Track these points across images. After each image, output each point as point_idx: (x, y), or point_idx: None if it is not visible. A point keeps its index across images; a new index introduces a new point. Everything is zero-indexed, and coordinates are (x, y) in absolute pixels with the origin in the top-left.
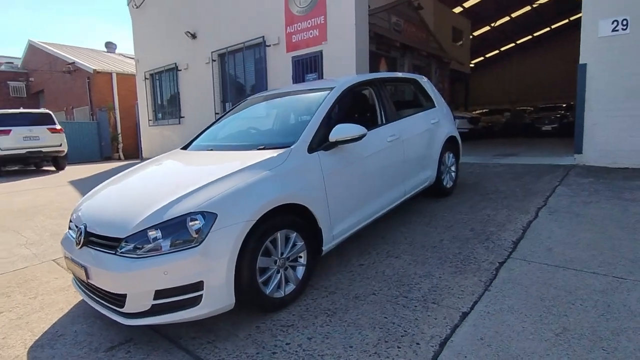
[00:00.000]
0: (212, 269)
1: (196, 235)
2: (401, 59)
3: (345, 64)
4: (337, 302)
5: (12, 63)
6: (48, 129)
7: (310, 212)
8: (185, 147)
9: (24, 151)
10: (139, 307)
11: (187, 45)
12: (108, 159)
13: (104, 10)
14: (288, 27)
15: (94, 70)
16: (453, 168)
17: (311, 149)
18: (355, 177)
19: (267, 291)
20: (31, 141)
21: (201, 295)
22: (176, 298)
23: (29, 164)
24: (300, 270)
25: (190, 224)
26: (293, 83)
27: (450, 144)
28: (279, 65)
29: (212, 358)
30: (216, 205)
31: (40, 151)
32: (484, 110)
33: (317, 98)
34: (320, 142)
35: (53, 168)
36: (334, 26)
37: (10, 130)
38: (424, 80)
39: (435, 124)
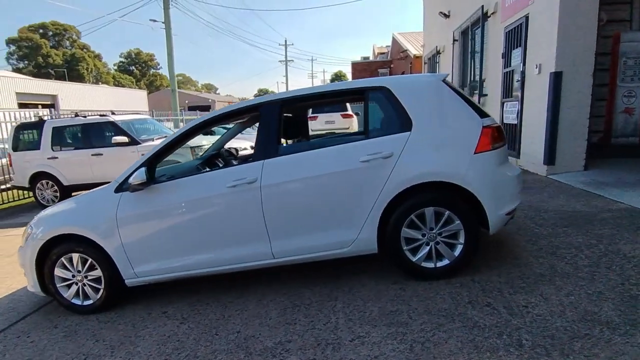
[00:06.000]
0: (25, 265)
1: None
2: None
3: (546, 31)
4: (72, 334)
5: (384, 54)
6: (341, 114)
7: None
8: None
9: (324, 132)
10: None
11: (443, 27)
12: None
13: None
14: None
15: (414, 55)
16: (460, 238)
17: (120, 188)
18: (167, 223)
19: (65, 295)
20: (329, 124)
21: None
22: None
23: None
24: (100, 291)
25: (28, 230)
26: (503, 62)
27: (445, 196)
28: (495, 42)
29: (13, 327)
30: (41, 220)
31: (334, 132)
32: None
33: None
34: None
35: None
36: None
37: (317, 117)
38: (403, 89)
39: (376, 161)
